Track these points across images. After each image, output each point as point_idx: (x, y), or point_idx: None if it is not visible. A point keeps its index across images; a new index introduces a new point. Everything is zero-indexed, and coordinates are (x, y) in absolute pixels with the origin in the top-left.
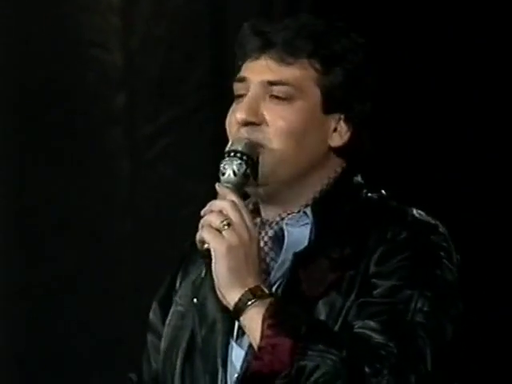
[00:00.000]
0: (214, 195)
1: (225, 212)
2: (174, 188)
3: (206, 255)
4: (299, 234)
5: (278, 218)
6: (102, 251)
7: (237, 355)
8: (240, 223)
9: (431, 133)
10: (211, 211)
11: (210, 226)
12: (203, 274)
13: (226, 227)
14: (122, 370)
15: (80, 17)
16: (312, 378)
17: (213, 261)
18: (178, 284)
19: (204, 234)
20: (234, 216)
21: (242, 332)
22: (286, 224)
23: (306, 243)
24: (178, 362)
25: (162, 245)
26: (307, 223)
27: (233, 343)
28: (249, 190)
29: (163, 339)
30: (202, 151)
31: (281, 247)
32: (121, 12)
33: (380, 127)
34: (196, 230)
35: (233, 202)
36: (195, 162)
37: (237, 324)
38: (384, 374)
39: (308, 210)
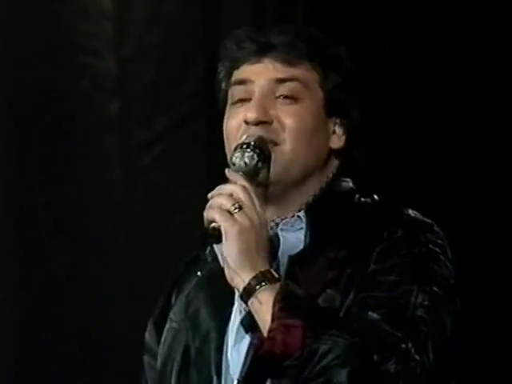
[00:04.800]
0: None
1: (235, 195)
2: (167, 194)
3: (214, 235)
4: (294, 238)
5: (271, 224)
6: (97, 256)
7: (233, 362)
8: (251, 207)
9: (425, 136)
10: (220, 194)
11: (221, 208)
12: (199, 273)
13: (237, 210)
14: (119, 370)
15: (72, 23)
16: (323, 362)
17: (223, 242)
18: (172, 301)
19: (215, 215)
20: (245, 199)
21: (239, 338)
22: (281, 229)
23: (301, 247)
24: (173, 376)
25: (156, 251)
26: (301, 228)
27: (228, 350)
28: (256, 191)
29: (158, 357)
30: (195, 158)
31: (275, 252)
32: (114, 18)
33: (374, 133)
34: (190, 236)
35: (243, 186)
36: (189, 169)
37: (234, 331)
38: (392, 362)
39: (301, 214)
